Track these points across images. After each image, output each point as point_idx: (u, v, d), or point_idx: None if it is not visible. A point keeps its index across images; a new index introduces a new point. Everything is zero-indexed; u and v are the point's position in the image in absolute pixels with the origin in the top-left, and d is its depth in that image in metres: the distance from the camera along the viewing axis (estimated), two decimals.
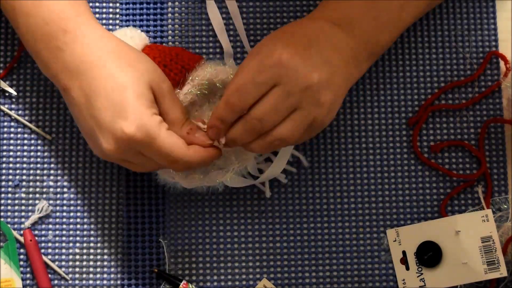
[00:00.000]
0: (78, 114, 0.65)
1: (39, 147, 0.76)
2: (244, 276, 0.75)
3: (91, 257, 0.75)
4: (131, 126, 0.62)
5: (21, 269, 0.74)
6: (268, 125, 0.64)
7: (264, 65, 0.64)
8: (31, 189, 0.76)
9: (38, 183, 0.76)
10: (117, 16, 0.79)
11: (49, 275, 0.74)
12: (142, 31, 0.78)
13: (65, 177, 0.76)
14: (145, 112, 0.63)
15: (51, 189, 0.76)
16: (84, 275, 0.75)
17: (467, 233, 0.74)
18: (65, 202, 0.76)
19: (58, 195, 0.76)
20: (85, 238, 0.75)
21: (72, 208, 0.76)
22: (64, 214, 0.76)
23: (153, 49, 0.73)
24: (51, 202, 0.76)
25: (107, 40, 0.66)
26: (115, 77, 0.63)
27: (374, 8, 0.69)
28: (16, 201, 0.75)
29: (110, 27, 0.78)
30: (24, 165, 0.76)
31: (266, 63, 0.64)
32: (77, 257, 0.75)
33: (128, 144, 0.62)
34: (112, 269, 0.75)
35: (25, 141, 0.76)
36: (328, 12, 0.70)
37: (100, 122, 0.63)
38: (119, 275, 0.75)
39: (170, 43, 0.78)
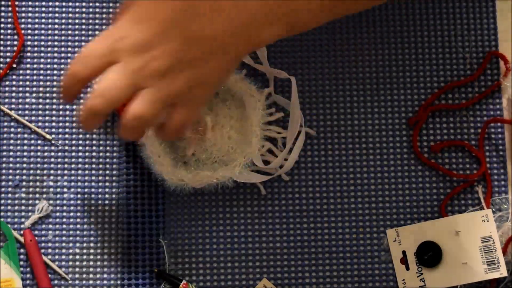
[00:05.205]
0: None
1: (39, 147, 0.76)
2: (244, 276, 0.75)
3: (91, 257, 0.75)
4: None
5: (21, 269, 0.74)
6: (110, 102, 0.58)
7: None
8: (31, 189, 0.76)
9: (38, 183, 0.76)
10: (117, 16, 0.78)
11: (49, 275, 0.74)
12: None
13: (65, 177, 0.76)
14: None
15: (51, 189, 0.76)
16: (84, 275, 0.75)
17: (467, 233, 0.74)
18: (65, 202, 0.76)
19: (58, 195, 0.76)
20: (85, 238, 0.75)
21: (72, 208, 0.76)
22: (64, 214, 0.76)
23: None
24: (51, 202, 0.76)
25: None
26: None
27: None
28: (16, 201, 0.75)
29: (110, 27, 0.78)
30: (24, 165, 0.76)
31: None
32: (77, 257, 0.75)
33: None
34: (112, 269, 0.75)
35: (25, 141, 0.76)
36: None
37: None
38: (119, 275, 0.75)
39: None
